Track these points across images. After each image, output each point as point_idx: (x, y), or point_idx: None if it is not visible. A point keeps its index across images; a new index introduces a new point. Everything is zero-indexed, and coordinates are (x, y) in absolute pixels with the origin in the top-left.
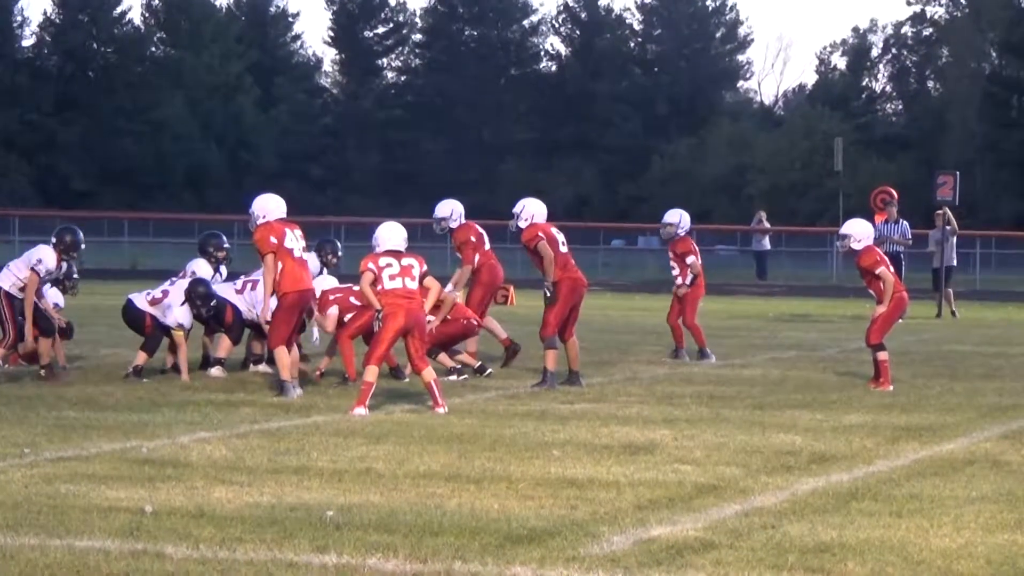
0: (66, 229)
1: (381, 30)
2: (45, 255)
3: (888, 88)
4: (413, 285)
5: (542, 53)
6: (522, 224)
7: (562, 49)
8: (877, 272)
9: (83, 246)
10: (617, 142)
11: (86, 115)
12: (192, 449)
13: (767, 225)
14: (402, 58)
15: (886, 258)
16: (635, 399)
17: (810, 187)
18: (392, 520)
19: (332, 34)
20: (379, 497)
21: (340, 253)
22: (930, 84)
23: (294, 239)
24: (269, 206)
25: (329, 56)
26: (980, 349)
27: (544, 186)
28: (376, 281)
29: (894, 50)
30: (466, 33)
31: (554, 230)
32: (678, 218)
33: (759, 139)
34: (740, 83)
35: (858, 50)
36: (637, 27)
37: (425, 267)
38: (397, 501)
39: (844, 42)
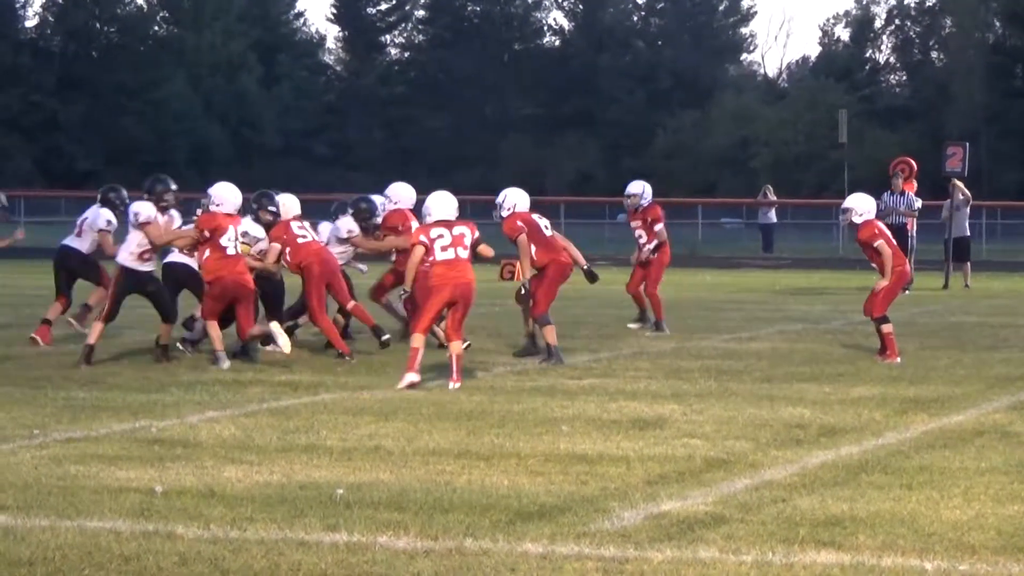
0: (156, 179)
1: (384, 7)
2: (143, 208)
3: (891, 59)
4: (464, 254)
5: (545, 28)
6: (504, 214)
7: (565, 24)
8: (875, 245)
9: (174, 187)
10: (620, 116)
11: (89, 95)
12: (201, 429)
13: (773, 198)
14: (405, 35)
15: (887, 232)
16: (643, 374)
17: (814, 159)
18: (402, 498)
19: (335, 11)
20: (389, 475)
21: (274, 208)
22: (934, 55)
23: (230, 237)
24: (226, 197)
25: (332, 33)
26: (987, 320)
27: (548, 161)
28: (428, 253)
29: (897, 21)
30: (469, 9)
31: (536, 216)
32: (641, 188)
33: (763, 112)
34: (743, 56)
35: (861, 21)
36: (640, 1)
37: (477, 234)
38: (407, 479)
39: (847, 13)
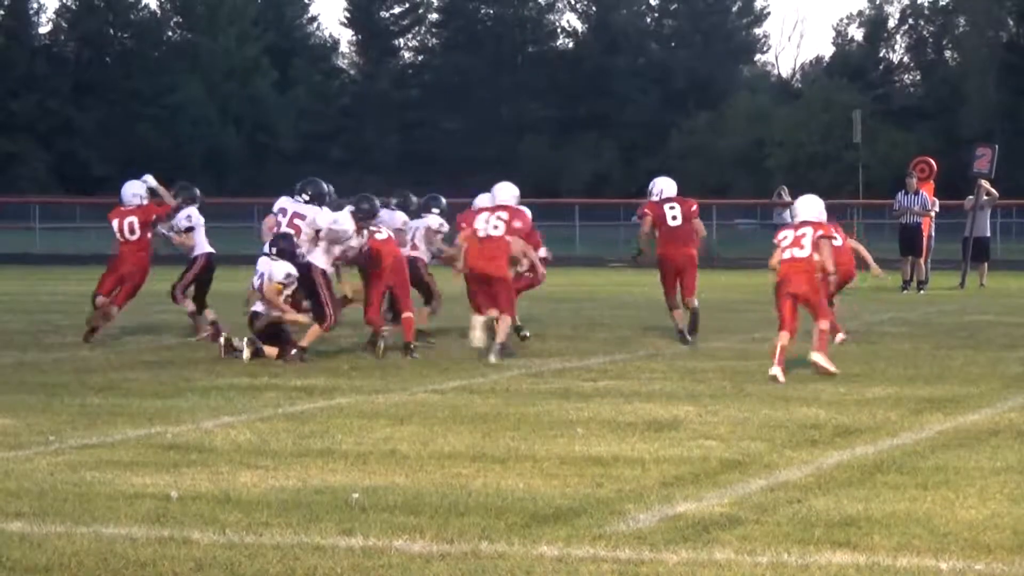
0: (364, 197)
1: (397, 10)
2: (343, 218)
3: (905, 59)
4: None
5: (558, 30)
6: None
7: (578, 26)
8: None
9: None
10: (635, 118)
11: (104, 100)
12: (217, 434)
13: (788, 199)
14: (419, 38)
15: (836, 232)
16: (658, 375)
17: (829, 159)
18: (418, 501)
19: (348, 15)
20: (404, 479)
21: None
22: (947, 54)
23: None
24: None
25: (346, 37)
26: (1003, 319)
27: (563, 163)
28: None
29: (911, 20)
30: (482, 12)
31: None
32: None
33: (777, 112)
34: (757, 57)
35: (875, 21)
36: (653, 2)
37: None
38: (422, 482)
39: (861, 13)
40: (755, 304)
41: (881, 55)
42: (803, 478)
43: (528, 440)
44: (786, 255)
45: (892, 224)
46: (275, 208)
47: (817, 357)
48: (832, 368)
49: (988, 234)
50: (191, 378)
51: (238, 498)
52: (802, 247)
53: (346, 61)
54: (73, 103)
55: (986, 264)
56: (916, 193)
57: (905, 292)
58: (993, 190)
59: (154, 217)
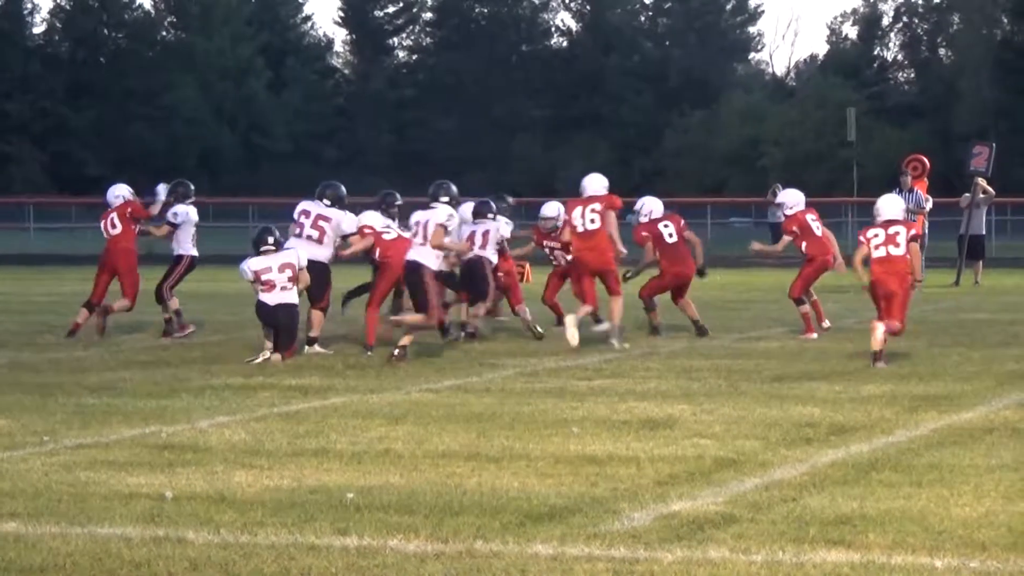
0: (389, 193)
1: (391, 9)
2: (372, 218)
3: (900, 57)
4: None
5: (553, 29)
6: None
7: (572, 25)
8: (790, 232)
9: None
10: (630, 117)
11: (98, 101)
12: (211, 434)
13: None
14: (413, 37)
15: (811, 224)
16: (653, 374)
17: (823, 158)
18: (412, 501)
19: (342, 14)
20: (399, 478)
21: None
22: (941, 52)
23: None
24: None
25: (340, 36)
26: (998, 316)
27: (557, 162)
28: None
29: (905, 18)
30: (476, 11)
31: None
32: (557, 211)
33: (772, 111)
34: (751, 55)
35: (869, 19)
36: (647, 1)
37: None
38: (417, 481)
39: (855, 11)
40: (750, 303)
41: (875, 53)
42: (798, 476)
43: (523, 439)
44: (880, 252)
45: None
46: (297, 211)
47: (880, 365)
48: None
49: (984, 232)
50: (186, 378)
51: (233, 498)
52: (898, 245)
53: (340, 61)
54: (67, 103)
55: (981, 262)
56: (910, 191)
57: None
58: (990, 188)
59: (129, 211)
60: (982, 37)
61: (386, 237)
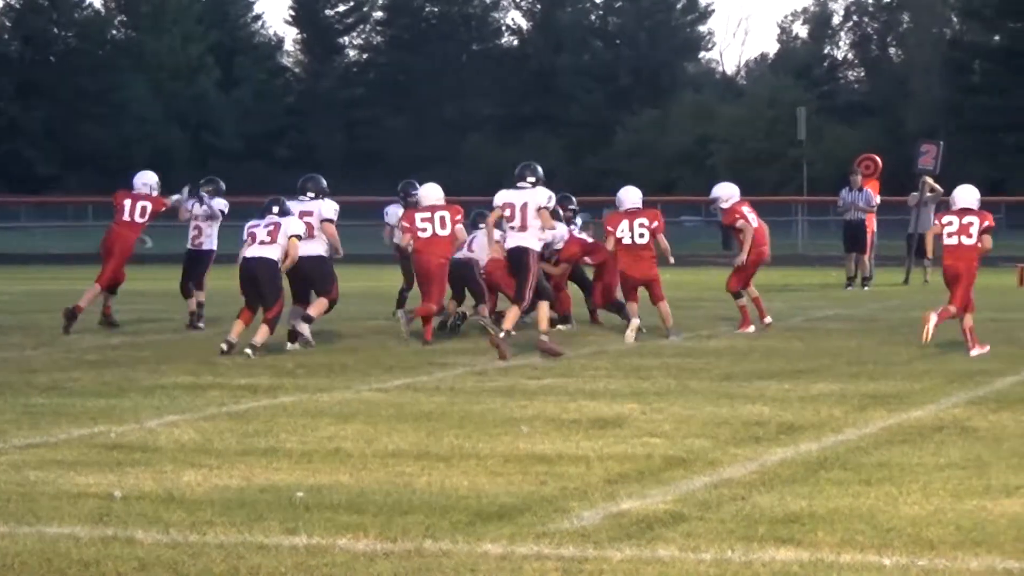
0: (409, 183)
1: (342, 8)
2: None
3: (850, 56)
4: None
5: (503, 28)
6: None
7: (523, 23)
8: (738, 226)
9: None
10: (580, 116)
11: (48, 100)
12: (160, 433)
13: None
14: (363, 36)
15: (749, 216)
16: (603, 373)
17: (774, 156)
18: (362, 500)
19: (293, 13)
20: (348, 477)
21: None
22: (892, 51)
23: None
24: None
25: (290, 35)
26: None
27: (509, 161)
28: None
29: (855, 17)
30: (427, 10)
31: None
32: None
33: (722, 110)
34: (702, 54)
35: (819, 18)
36: (597, 0)
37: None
38: (366, 481)
39: (805, 10)
40: (701, 301)
41: (826, 52)
42: (747, 475)
43: (472, 438)
44: (952, 240)
45: (836, 220)
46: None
47: (976, 353)
48: (979, 349)
49: None
50: (135, 378)
51: (182, 497)
52: (970, 235)
53: (291, 60)
54: (17, 102)
55: (929, 260)
56: (860, 190)
57: (850, 289)
58: (938, 187)
59: (162, 209)
60: (932, 36)
61: (422, 235)
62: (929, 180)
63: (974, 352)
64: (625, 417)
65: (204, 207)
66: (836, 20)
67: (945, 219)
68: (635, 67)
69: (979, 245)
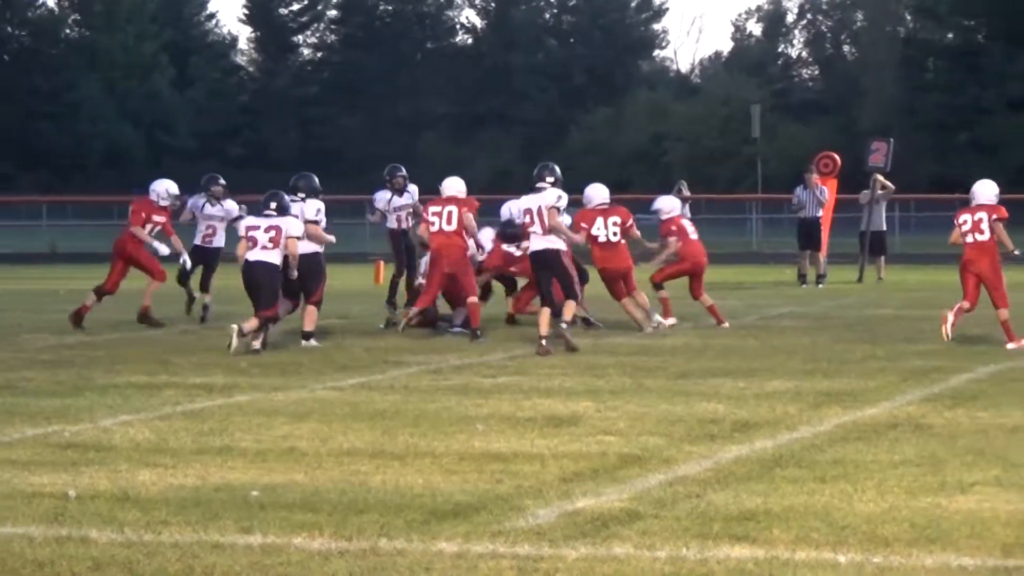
0: (395, 167)
1: (295, 7)
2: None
3: (804, 54)
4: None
5: (457, 26)
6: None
7: (477, 22)
8: (669, 239)
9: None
10: (535, 114)
11: (1, 99)
12: (115, 432)
13: (688, 194)
14: (317, 35)
15: (685, 228)
16: (557, 371)
17: (728, 154)
18: (317, 499)
19: (247, 12)
20: (303, 476)
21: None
22: (846, 49)
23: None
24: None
25: (244, 34)
26: (902, 313)
27: (464, 159)
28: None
29: (809, 15)
30: (381, 8)
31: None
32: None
33: (676, 108)
34: (656, 52)
35: (773, 16)
36: None
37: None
38: (321, 480)
39: (759, 8)
40: (654, 298)
41: (780, 50)
42: (702, 472)
43: (427, 436)
44: (969, 239)
45: (791, 218)
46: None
47: (1012, 347)
48: (1015, 343)
49: (884, 228)
50: (89, 377)
51: (136, 496)
52: (983, 232)
53: (244, 58)
54: None
55: (883, 258)
56: (814, 187)
57: (804, 286)
58: (889, 184)
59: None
60: (886, 34)
61: (433, 229)
62: (880, 178)
63: (1010, 346)
64: (580, 415)
65: (219, 207)
66: (790, 18)
67: (960, 218)
68: (589, 65)
69: (994, 237)
